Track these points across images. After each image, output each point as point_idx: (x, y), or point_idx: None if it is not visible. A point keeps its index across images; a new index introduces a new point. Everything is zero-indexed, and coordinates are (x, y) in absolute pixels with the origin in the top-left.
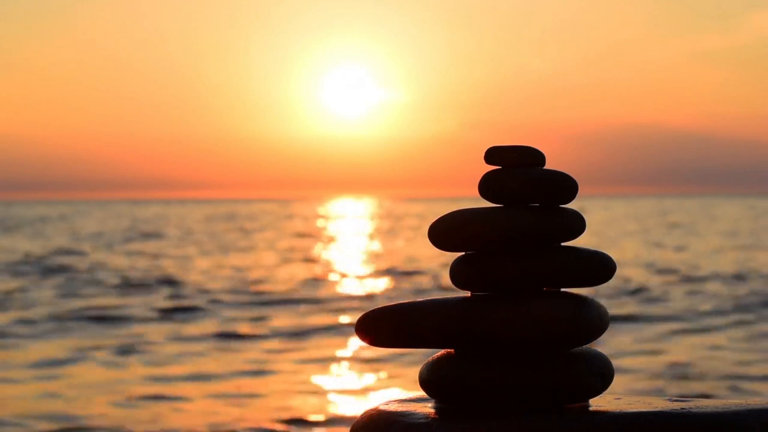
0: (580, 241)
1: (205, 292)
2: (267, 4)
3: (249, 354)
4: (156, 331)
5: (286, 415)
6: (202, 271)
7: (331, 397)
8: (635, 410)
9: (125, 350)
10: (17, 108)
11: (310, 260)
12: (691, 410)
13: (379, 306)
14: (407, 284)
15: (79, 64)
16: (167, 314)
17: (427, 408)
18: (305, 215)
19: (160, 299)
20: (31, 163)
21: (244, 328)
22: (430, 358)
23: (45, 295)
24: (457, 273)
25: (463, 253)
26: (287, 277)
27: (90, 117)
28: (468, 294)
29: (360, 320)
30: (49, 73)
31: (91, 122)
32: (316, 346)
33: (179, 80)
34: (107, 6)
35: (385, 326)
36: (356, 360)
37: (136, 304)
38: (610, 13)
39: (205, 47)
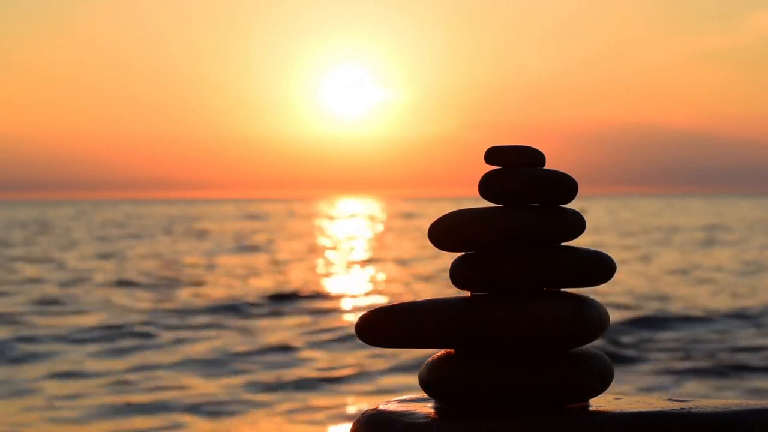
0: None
1: None
2: (267, 4)
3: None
4: None
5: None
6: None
7: (330, 396)
8: (635, 410)
9: None
10: (17, 108)
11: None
12: (691, 410)
13: (379, 306)
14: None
15: (79, 64)
16: None
17: (427, 408)
18: (342, 216)
19: None
20: (31, 163)
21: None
22: (430, 358)
23: None
24: (457, 273)
25: (463, 253)
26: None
27: (90, 117)
28: (468, 294)
29: (360, 320)
30: (49, 73)
31: (91, 122)
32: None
33: (179, 80)
34: (107, 6)
35: (385, 326)
36: (356, 359)
37: None
38: (610, 13)
39: (205, 47)
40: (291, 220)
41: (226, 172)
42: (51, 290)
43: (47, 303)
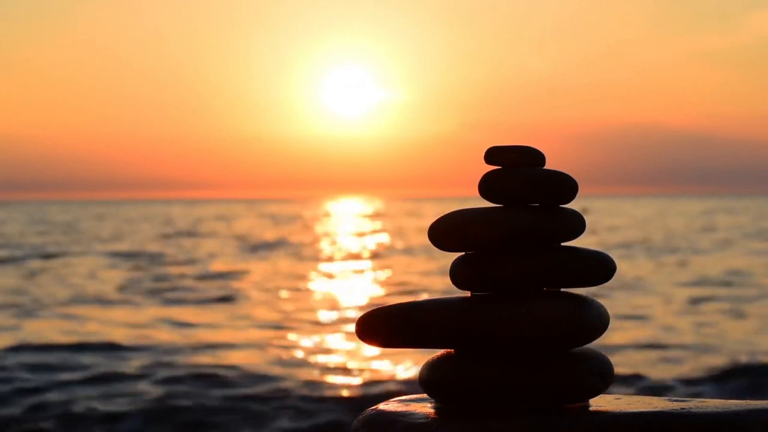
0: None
1: None
2: (267, 4)
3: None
4: None
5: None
6: None
7: (329, 395)
8: (635, 410)
9: None
10: (17, 108)
11: None
12: (691, 410)
13: (379, 306)
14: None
15: (79, 64)
16: None
17: (427, 408)
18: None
19: None
20: (31, 163)
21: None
22: (430, 358)
23: None
24: (457, 273)
25: (463, 253)
26: None
27: (90, 117)
28: (468, 294)
29: (360, 320)
30: (49, 73)
31: (91, 122)
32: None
33: (179, 80)
34: (107, 6)
35: (385, 326)
36: (355, 359)
37: None
38: (610, 13)
39: (205, 47)
40: (332, 222)
41: (226, 172)
42: None
43: None
